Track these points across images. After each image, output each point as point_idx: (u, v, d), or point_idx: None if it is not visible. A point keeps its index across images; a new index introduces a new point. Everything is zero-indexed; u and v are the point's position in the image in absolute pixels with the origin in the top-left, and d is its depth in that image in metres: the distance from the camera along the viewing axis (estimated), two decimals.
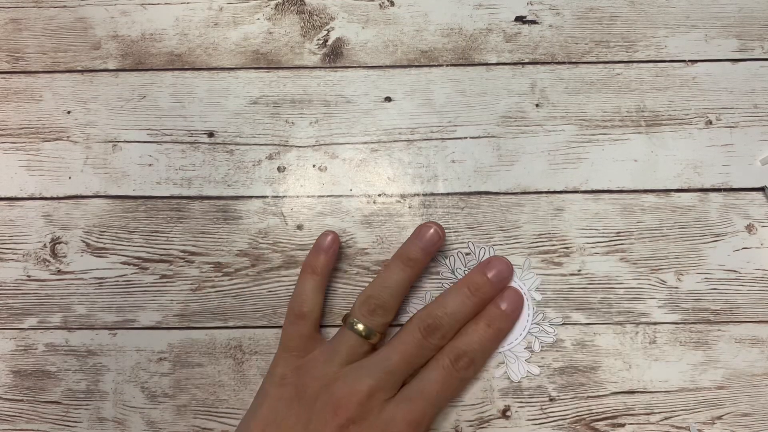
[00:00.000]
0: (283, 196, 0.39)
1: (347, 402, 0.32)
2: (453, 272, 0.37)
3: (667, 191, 0.38)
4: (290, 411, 0.33)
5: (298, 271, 0.38)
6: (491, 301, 0.35)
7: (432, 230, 0.35)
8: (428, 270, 0.37)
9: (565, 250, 0.37)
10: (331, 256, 0.36)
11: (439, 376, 0.33)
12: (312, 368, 0.34)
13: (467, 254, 0.37)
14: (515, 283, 0.37)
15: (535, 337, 0.36)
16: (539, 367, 0.36)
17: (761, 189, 0.38)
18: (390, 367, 0.33)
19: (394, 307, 0.35)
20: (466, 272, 0.37)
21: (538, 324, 0.36)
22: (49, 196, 0.39)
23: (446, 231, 0.38)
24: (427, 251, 0.35)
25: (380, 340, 0.35)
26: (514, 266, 0.37)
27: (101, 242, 0.38)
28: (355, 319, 0.34)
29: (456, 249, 0.38)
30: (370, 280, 0.37)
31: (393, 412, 0.32)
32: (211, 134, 0.40)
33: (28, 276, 0.38)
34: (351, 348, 0.34)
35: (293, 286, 0.37)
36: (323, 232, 0.36)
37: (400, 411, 0.32)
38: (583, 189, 0.38)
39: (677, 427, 0.35)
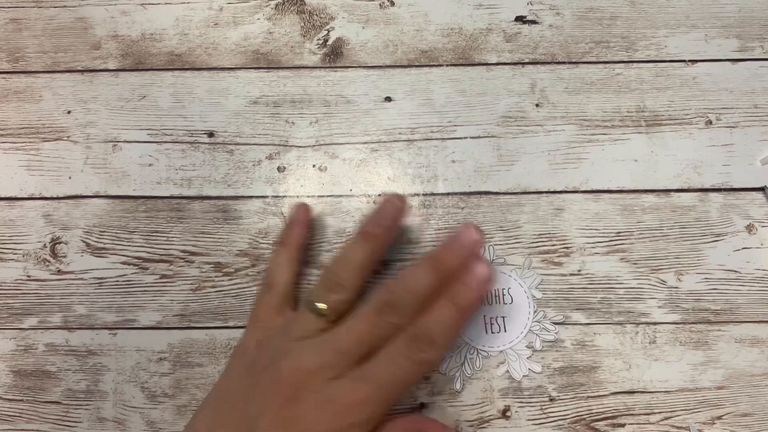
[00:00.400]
0: (283, 196, 0.39)
1: (288, 378, 0.30)
2: None
3: (667, 191, 0.38)
4: (239, 383, 0.32)
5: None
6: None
7: (390, 204, 0.34)
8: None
9: (565, 250, 0.37)
10: (302, 228, 0.36)
11: (391, 359, 0.30)
12: (268, 341, 0.33)
13: None
14: (515, 280, 0.37)
15: (536, 335, 0.36)
16: (540, 365, 0.36)
17: (761, 189, 0.38)
18: (338, 346, 0.31)
19: (353, 284, 0.33)
20: None
21: (538, 322, 0.36)
22: (49, 196, 0.39)
23: (446, 231, 0.38)
24: (385, 226, 0.33)
25: (339, 317, 0.33)
26: (513, 266, 0.37)
27: (101, 242, 0.38)
28: (312, 297, 0.33)
29: None
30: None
31: (334, 392, 0.30)
32: (211, 134, 0.40)
33: (28, 276, 0.38)
34: (305, 324, 0.32)
35: None
36: (297, 205, 0.37)
37: (341, 391, 0.30)
38: (583, 189, 0.38)
39: (677, 427, 0.35)
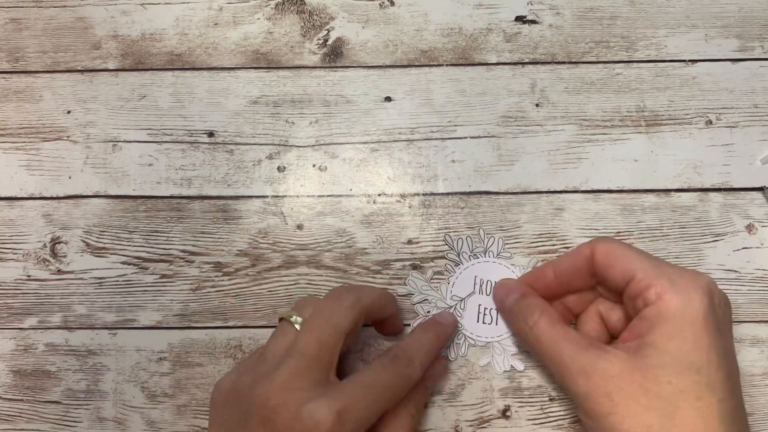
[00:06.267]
0: (283, 196, 0.39)
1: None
2: (459, 255, 0.37)
3: (667, 191, 0.38)
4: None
5: (298, 270, 0.38)
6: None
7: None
8: (434, 251, 0.37)
9: (565, 249, 0.37)
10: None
11: (374, 367, 0.31)
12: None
13: (476, 239, 0.37)
14: (509, 270, 0.37)
15: (509, 356, 0.36)
16: (524, 363, 0.36)
17: (761, 189, 0.38)
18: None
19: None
20: (471, 257, 0.37)
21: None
22: (49, 195, 0.39)
23: (446, 231, 0.38)
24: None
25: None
26: (519, 266, 0.37)
27: (101, 242, 0.38)
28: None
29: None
30: (370, 279, 0.37)
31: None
32: (211, 134, 0.40)
33: (28, 276, 0.38)
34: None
35: (293, 286, 0.37)
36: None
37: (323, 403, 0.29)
38: (583, 189, 0.38)
39: None
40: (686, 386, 0.28)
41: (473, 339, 0.36)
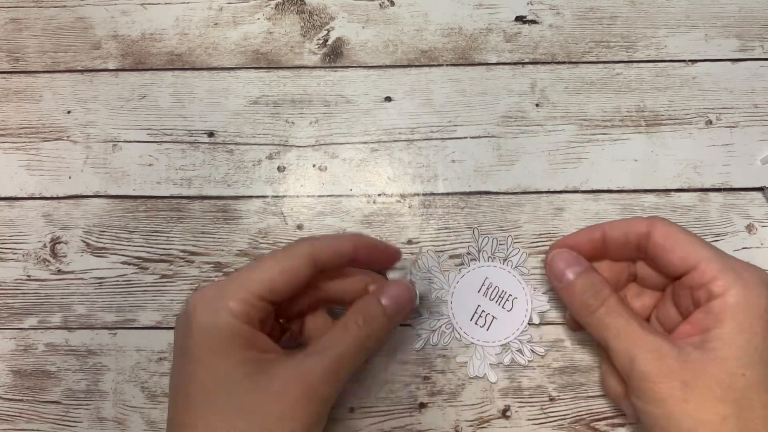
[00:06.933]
0: (283, 196, 0.39)
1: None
2: (479, 252, 0.37)
3: (667, 191, 0.38)
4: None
5: None
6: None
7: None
8: (427, 235, 0.37)
9: None
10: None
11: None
12: None
13: (501, 243, 0.37)
14: (526, 296, 0.37)
15: (512, 352, 0.36)
16: (497, 377, 0.36)
17: (761, 189, 0.38)
18: None
19: None
20: (490, 258, 0.37)
21: (520, 341, 0.36)
22: (49, 195, 0.39)
23: (446, 231, 0.38)
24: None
25: None
26: (532, 280, 0.37)
27: (101, 242, 0.38)
28: None
29: (457, 248, 0.37)
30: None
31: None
32: (211, 134, 0.40)
33: (28, 276, 0.38)
34: None
35: None
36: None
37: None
38: (583, 189, 0.38)
39: None
40: (759, 379, 0.28)
41: (459, 334, 0.36)
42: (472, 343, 0.36)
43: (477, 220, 0.38)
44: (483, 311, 0.37)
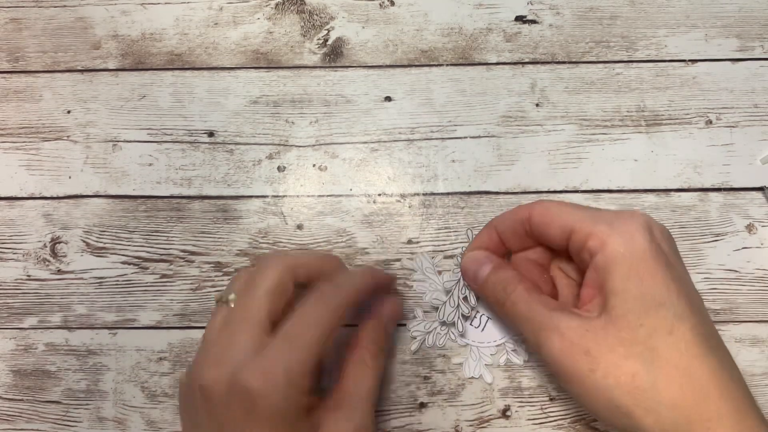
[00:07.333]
0: (283, 196, 0.39)
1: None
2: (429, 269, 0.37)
3: (667, 191, 0.38)
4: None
5: None
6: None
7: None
8: (434, 251, 0.37)
9: None
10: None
11: (304, 309, 0.30)
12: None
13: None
14: None
15: (507, 352, 0.36)
16: (492, 376, 0.36)
17: (761, 189, 0.38)
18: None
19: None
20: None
21: (516, 341, 0.36)
22: (49, 195, 0.39)
23: (446, 230, 0.38)
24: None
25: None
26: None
27: (101, 242, 0.38)
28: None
29: (456, 248, 0.38)
30: None
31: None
32: (211, 134, 0.40)
33: (28, 276, 0.38)
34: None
35: None
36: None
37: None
38: (583, 189, 0.38)
39: None
40: (657, 324, 0.27)
41: (454, 335, 0.36)
42: (468, 344, 0.36)
43: (477, 220, 0.38)
44: (478, 312, 0.37)
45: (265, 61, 0.41)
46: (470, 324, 0.36)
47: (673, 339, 0.27)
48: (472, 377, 0.36)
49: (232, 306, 0.30)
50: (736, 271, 0.37)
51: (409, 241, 0.38)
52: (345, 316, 0.30)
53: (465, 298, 0.35)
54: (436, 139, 0.39)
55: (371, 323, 0.33)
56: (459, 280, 0.36)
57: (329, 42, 0.41)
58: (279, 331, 0.29)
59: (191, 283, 0.38)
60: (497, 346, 0.36)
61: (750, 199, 0.38)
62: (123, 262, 0.38)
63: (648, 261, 0.28)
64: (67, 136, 0.40)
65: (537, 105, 0.39)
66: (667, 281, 0.28)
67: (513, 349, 0.36)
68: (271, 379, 0.27)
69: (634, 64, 0.40)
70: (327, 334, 0.29)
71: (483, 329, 0.36)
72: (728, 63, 0.40)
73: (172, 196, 0.39)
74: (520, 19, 0.41)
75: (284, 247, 0.38)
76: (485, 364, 0.36)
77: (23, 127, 0.40)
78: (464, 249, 0.36)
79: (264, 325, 0.29)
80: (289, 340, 0.28)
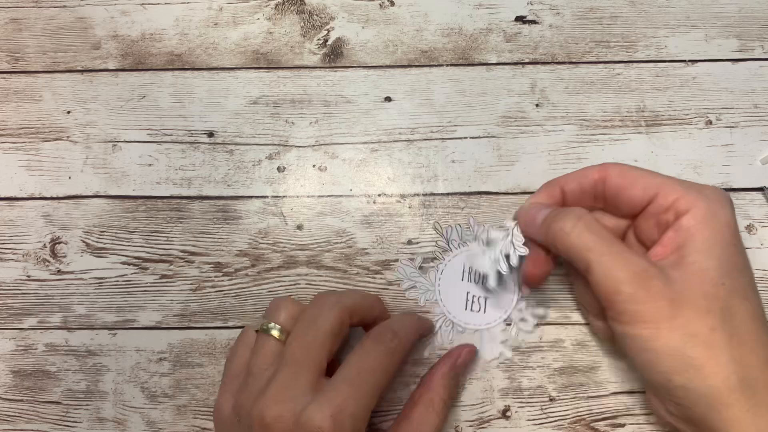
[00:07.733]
0: (283, 196, 0.39)
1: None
2: (448, 243, 0.37)
3: None
4: None
5: (298, 271, 0.38)
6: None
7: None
8: (434, 251, 0.37)
9: None
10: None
11: (358, 354, 0.31)
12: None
13: (466, 228, 0.37)
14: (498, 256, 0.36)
15: (515, 324, 0.36)
16: (512, 351, 0.36)
17: (761, 189, 0.38)
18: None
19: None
20: (461, 245, 0.37)
21: (520, 311, 0.36)
22: (48, 196, 0.39)
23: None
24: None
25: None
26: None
27: (101, 242, 0.38)
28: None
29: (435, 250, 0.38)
30: (370, 280, 0.37)
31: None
32: (211, 134, 0.40)
33: (28, 276, 0.38)
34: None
35: (293, 287, 0.37)
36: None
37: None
38: None
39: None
40: (737, 286, 0.29)
41: (461, 326, 0.36)
42: (477, 330, 0.36)
43: (477, 220, 0.38)
44: (473, 296, 0.37)
45: (265, 62, 0.41)
46: (470, 310, 0.37)
47: (747, 305, 0.29)
48: (494, 359, 0.36)
49: (277, 337, 0.31)
50: None
51: (409, 242, 0.38)
52: (403, 362, 0.32)
53: (507, 256, 0.34)
54: (436, 139, 0.39)
55: (447, 369, 0.34)
56: (504, 238, 0.34)
57: (329, 42, 0.41)
58: (340, 374, 0.30)
59: (191, 284, 0.38)
60: (504, 321, 0.36)
61: (750, 199, 0.38)
62: (123, 263, 0.38)
63: (732, 230, 0.30)
64: (67, 137, 0.40)
65: (537, 105, 0.39)
66: (743, 253, 0.30)
67: (521, 318, 0.36)
68: (339, 422, 0.28)
69: (634, 65, 0.40)
70: (388, 380, 0.30)
71: (485, 311, 0.37)
72: (728, 63, 0.40)
73: (172, 197, 0.39)
74: (520, 19, 0.41)
75: (283, 247, 0.38)
76: (501, 342, 0.36)
77: (23, 128, 0.40)
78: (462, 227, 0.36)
79: (323, 367, 0.30)
80: (354, 386, 0.29)
